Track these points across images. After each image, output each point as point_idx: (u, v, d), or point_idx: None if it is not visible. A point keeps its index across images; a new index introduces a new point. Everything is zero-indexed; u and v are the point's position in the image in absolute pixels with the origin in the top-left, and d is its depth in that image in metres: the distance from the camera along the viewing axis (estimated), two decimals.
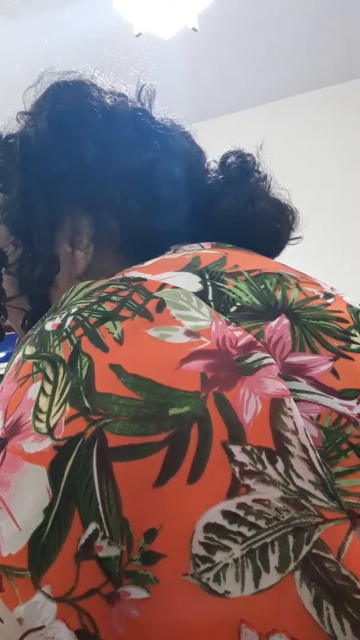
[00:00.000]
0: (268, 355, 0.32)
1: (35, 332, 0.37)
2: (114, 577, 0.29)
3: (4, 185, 0.56)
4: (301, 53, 2.72)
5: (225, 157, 0.57)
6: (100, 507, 0.29)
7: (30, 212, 0.53)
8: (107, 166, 0.51)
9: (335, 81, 2.94)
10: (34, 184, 0.53)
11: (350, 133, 2.93)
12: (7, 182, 0.55)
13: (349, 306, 0.38)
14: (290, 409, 0.30)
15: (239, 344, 0.33)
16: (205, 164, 0.58)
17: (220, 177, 0.56)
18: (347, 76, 2.91)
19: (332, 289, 0.41)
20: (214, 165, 0.58)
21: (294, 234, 0.57)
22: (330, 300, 0.38)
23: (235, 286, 0.37)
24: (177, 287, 0.36)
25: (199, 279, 0.37)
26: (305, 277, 0.41)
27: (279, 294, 0.37)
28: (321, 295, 0.38)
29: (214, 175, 0.56)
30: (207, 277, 0.38)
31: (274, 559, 0.28)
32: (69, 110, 0.53)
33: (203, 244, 0.48)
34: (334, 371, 0.32)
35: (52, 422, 0.31)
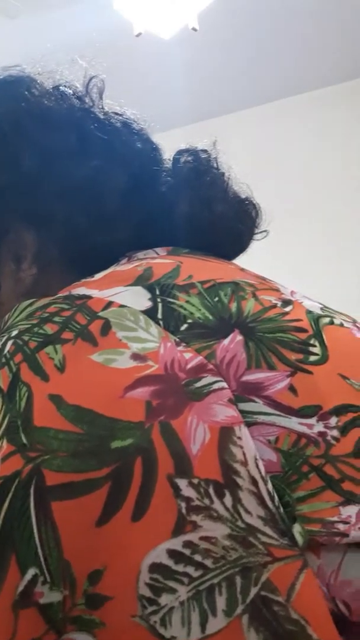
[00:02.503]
0: (219, 379, 0.30)
1: None
2: (57, 624, 0.27)
3: None
4: (301, 53, 2.72)
5: (177, 156, 0.53)
6: (39, 550, 0.27)
7: None
8: (46, 179, 0.48)
9: (335, 81, 2.94)
10: None
11: (350, 133, 2.93)
12: None
13: (309, 312, 0.36)
14: (240, 437, 0.28)
15: (188, 366, 0.30)
16: (161, 163, 0.53)
17: (173, 180, 0.52)
18: (347, 76, 2.92)
19: (292, 293, 0.39)
20: (167, 163, 0.53)
21: (258, 229, 0.54)
22: (288, 309, 0.36)
23: (187, 301, 0.35)
24: (124, 306, 0.34)
25: (149, 295, 0.35)
26: (264, 282, 0.40)
27: (233, 307, 0.35)
28: (279, 304, 0.36)
29: (166, 177, 0.52)
30: (157, 292, 0.35)
31: (221, 602, 0.26)
32: (4, 114, 0.49)
33: (158, 249, 0.46)
34: (291, 388, 0.31)
35: None
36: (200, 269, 0.40)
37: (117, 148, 0.50)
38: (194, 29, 2.00)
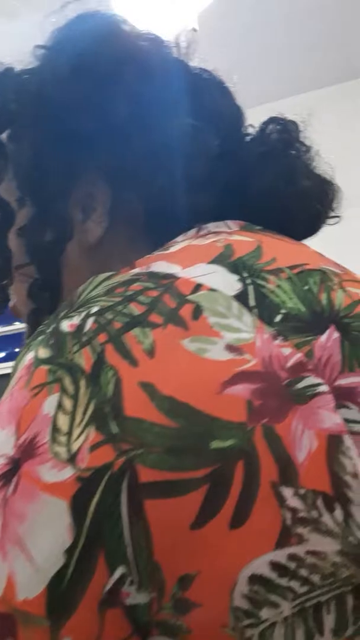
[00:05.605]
0: (322, 381, 0.28)
1: (49, 331, 0.32)
2: (142, 627, 0.25)
3: (13, 131, 0.47)
4: (301, 53, 2.72)
5: (265, 124, 0.50)
6: (129, 549, 0.25)
7: (43, 168, 0.45)
8: (136, 132, 0.43)
9: (335, 81, 2.94)
10: (50, 136, 0.45)
11: (350, 133, 2.93)
12: (18, 128, 0.47)
13: None
14: (349, 448, 0.26)
15: (288, 364, 0.28)
16: (245, 128, 0.50)
17: (261, 148, 0.48)
18: (347, 76, 2.91)
19: None
20: (252, 131, 0.50)
21: (333, 213, 0.51)
22: None
23: (279, 286, 0.32)
24: (215, 290, 0.31)
25: (237, 276, 0.32)
26: (346, 272, 0.37)
27: (323, 297, 0.32)
28: None
29: (252, 145, 0.48)
30: (245, 274, 0.32)
31: (329, 621, 0.25)
32: (97, 53, 0.43)
33: (229, 223, 0.42)
34: None
35: (73, 448, 0.27)
36: (282, 250, 0.37)
37: (209, 107, 0.46)
38: (194, 29, 1.99)
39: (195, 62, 0.48)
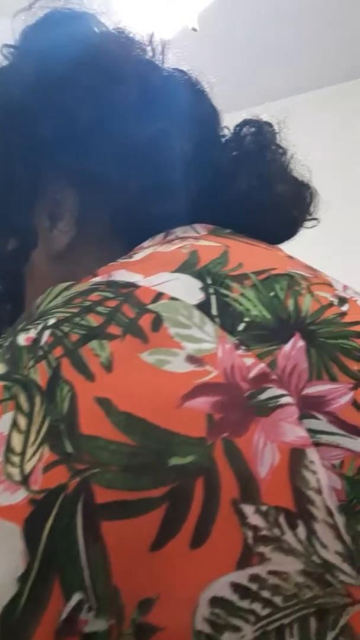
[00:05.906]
0: (285, 392, 0.27)
1: (6, 345, 0.31)
2: None
3: None
4: (301, 53, 2.72)
5: (239, 126, 0.49)
6: (86, 574, 0.24)
7: (7, 173, 0.44)
8: (103, 136, 0.42)
9: (335, 81, 2.94)
10: (15, 140, 0.44)
11: (350, 134, 2.93)
12: None
13: None
14: (312, 462, 0.26)
15: (250, 375, 0.27)
16: (222, 130, 0.49)
17: (235, 152, 0.47)
18: (347, 76, 2.91)
19: (344, 288, 0.36)
20: (227, 132, 0.49)
21: (310, 217, 0.50)
22: (345, 308, 0.32)
23: (242, 294, 0.31)
24: (176, 299, 0.30)
25: (200, 284, 0.31)
26: (316, 275, 0.36)
27: (290, 304, 0.31)
28: (335, 302, 0.33)
29: (227, 149, 0.48)
30: (209, 282, 0.32)
31: None
32: (62, 56, 0.43)
33: (197, 227, 0.41)
34: (355, 403, 0.27)
35: (27, 468, 0.26)
36: (250, 255, 0.36)
37: (182, 110, 0.45)
38: (194, 29, 1.99)
39: (170, 63, 0.48)
